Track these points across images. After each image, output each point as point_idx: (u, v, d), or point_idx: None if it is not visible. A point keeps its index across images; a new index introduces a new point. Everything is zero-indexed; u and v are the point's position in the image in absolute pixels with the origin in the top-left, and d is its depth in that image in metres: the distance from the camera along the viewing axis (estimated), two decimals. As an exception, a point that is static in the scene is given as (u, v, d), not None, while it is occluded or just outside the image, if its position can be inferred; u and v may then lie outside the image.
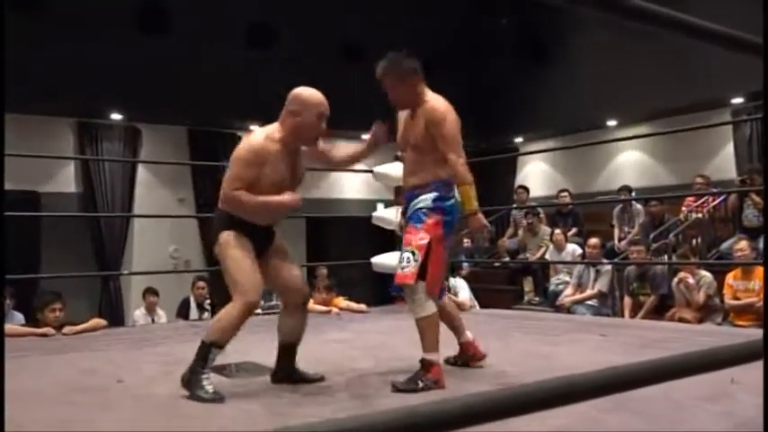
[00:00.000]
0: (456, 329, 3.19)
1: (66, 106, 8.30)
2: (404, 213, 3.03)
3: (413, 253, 2.83)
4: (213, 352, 2.75)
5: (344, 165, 3.41)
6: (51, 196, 8.47)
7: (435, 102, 2.97)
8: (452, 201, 2.94)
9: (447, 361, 3.11)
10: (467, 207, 2.93)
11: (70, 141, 8.81)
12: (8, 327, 4.91)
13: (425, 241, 2.84)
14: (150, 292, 7.20)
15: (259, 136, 2.86)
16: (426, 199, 2.91)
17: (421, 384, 2.78)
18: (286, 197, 2.82)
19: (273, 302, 9.13)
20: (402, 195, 3.09)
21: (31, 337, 4.46)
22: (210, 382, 2.72)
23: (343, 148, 11.26)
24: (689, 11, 1.21)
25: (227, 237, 2.85)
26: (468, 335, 3.19)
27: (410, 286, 2.85)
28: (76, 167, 8.87)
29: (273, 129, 2.89)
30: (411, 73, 2.99)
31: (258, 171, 2.78)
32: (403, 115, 3.09)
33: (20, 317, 5.79)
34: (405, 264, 2.85)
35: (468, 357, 3.18)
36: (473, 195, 2.92)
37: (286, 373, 3.03)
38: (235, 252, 2.82)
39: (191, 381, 2.71)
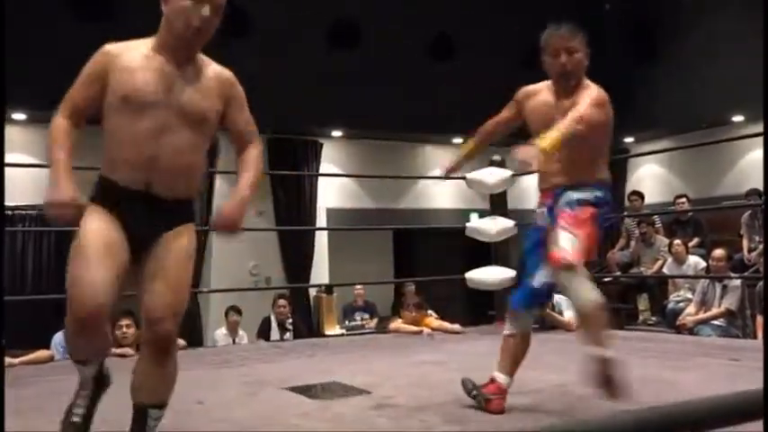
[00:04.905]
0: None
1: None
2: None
3: (567, 235, 2.67)
4: (80, 368, 2.35)
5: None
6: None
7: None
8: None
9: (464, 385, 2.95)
10: None
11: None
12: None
13: (585, 217, 2.73)
14: (233, 310, 7.36)
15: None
16: (583, 191, 2.80)
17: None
18: (55, 187, 2.13)
19: (358, 322, 9.26)
20: (546, 195, 2.92)
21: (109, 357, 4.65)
22: (80, 409, 2.34)
23: (431, 152, 11.26)
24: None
25: (86, 212, 2.19)
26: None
27: (564, 269, 2.65)
28: (153, 180, 9.24)
29: (147, 39, 2.31)
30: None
31: (98, 87, 2.20)
32: (543, 96, 2.92)
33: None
34: (556, 244, 2.67)
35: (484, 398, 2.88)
36: None
37: None
38: (82, 234, 2.14)
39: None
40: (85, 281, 2.07)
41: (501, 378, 2.88)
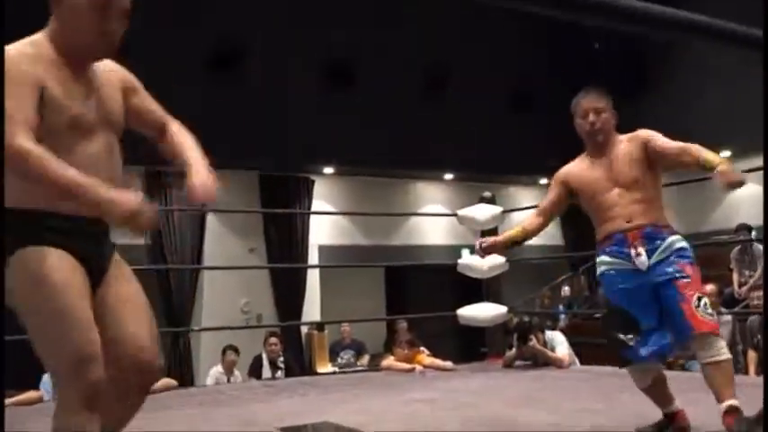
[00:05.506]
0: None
1: (133, 154, 8.67)
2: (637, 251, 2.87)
3: (706, 301, 2.77)
4: None
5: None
6: (119, 248, 8.81)
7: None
8: None
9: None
10: None
11: (138, 190, 9.18)
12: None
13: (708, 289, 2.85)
14: (231, 349, 7.25)
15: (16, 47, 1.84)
16: (681, 240, 2.88)
17: None
18: (120, 196, 1.80)
19: (344, 360, 9.14)
20: (622, 232, 2.89)
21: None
22: None
23: (422, 188, 11.23)
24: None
25: (30, 260, 1.77)
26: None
27: (714, 335, 2.74)
28: (145, 218, 9.23)
29: (38, 37, 1.89)
30: None
31: (35, 98, 1.77)
32: (580, 166, 3.06)
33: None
34: (705, 310, 2.73)
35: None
36: None
37: None
38: (50, 290, 1.76)
39: None
40: (85, 329, 1.77)
41: (676, 406, 2.95)
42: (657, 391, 2.95)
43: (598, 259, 2.98)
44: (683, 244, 2.85)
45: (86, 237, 1.88)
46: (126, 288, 1.98)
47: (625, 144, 2.99)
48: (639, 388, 2.98)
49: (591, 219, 3.06)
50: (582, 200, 3.04)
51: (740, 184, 2.73)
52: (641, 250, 2.82)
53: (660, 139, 2.98)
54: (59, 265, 1.78)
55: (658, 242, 2.83)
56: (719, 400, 2.68)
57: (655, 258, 2.80)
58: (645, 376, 2.93)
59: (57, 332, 1.75)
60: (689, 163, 2.92)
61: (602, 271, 2.95)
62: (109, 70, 2.02)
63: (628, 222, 2.86)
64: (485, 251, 3.09)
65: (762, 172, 9.61)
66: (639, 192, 2.90)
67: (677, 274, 2.76)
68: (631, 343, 2.84)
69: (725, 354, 2.72)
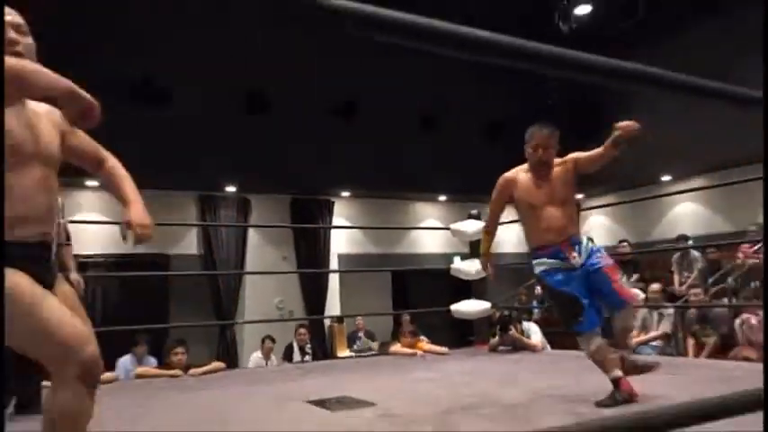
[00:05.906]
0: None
1: (189, 182, 8.73)
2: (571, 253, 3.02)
3: (624, 279, 3.11)
4: None
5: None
6: (178, 258, 8.83)
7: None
8: None
9: (600, 403, 2.86)
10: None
11: (193, 211, 9.22)
12: (145, 369, 5.11)
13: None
14: (269, 339, 7.26)
15: None
16: (591, 241, 3.08)
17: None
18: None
19: (362, 345, 9.13)
20: (557, 244, 3.00)
21: (164, 377, 4.61)
22: None
23: (420, 207, 11.10)
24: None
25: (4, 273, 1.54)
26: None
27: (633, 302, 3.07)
28: (198, 233, 9.25)
29: None
30: None
31: None
32: (524, 179, 3.10)
33: (153, 361, 6.01)
34: (625, 284, 3.05)
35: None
36: None
37: None
38: (26, 291, 1.60)
39: None
40: (75, 326, 1.63)
41: (618, 373, 2.93)
42: (602, 357, 2.95)
43: (537, 261, 3.05)
44: (594, 244, 3.08)
45: (39, 257, 1.72)
46: (73, 301, 1.81)
47: (559, 168, 3.05)
48: (588, 355, 2.98)
49: (522, 222, 3.14)
50: (520, 207, 3.13)
51: (637, 128, 2.92)
52: (574, 254, 2.99)
53: (583, 154, 3.07)
54: (21, 280, 1.62)
55: (579, 245, 3.01)
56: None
57: (583, 256, 2.99)
58: (592, 343, 2.94)
59: (44, 320, 1.58)
60: (608, 150, 2.98)
61: (545, 269, 3.02)
62: (47, 111, 1.82)
63: (560, 236, 2.99)
64: (490, 268, 3.51)
65: (695, 193, 9.54)
66: (566, 209, 3.03)
67: (601, 265, 2.98)
68: (580, 318, 2.91)
69: (632, 324, 3.15)
